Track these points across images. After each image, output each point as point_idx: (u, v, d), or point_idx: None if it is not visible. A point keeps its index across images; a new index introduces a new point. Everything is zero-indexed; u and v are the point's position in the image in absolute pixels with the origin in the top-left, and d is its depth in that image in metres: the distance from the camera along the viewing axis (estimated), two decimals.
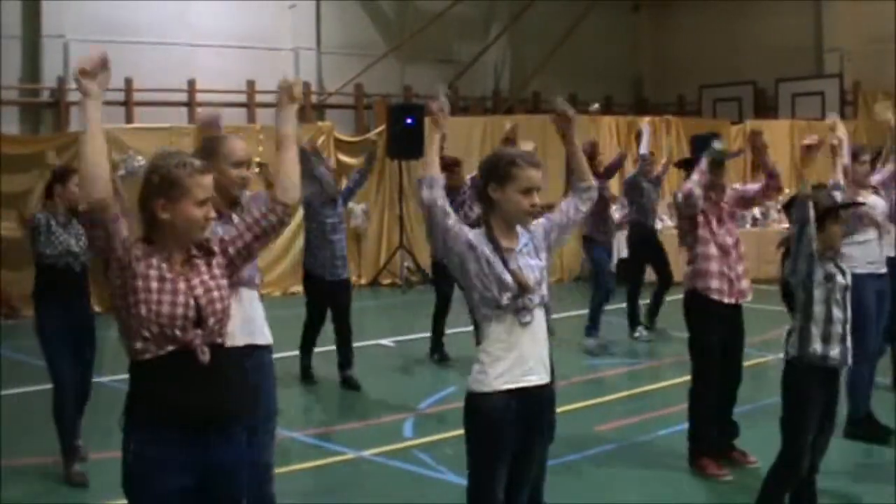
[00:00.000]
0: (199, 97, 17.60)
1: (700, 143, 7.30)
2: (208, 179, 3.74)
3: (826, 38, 21.64)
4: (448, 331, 10.67)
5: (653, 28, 24.61)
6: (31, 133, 16.26)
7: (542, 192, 4.37)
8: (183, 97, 17.59)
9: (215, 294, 3.74)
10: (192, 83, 17.59)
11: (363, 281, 16.42)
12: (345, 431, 8.26)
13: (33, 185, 14.07)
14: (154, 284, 3.61)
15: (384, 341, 11.50)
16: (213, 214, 3.76)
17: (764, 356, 10.39)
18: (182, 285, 3.66)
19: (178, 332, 3.62)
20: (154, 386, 3.63)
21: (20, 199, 13.88)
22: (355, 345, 9.82)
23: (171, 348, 3.62)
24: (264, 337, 5.18)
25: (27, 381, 9.38)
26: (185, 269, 3.72)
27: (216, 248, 3.84)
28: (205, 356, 3.66)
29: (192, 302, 3.66)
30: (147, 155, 12.50)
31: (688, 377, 7.12)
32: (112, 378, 9.83)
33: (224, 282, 3.82)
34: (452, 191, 8.90)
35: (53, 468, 7.07)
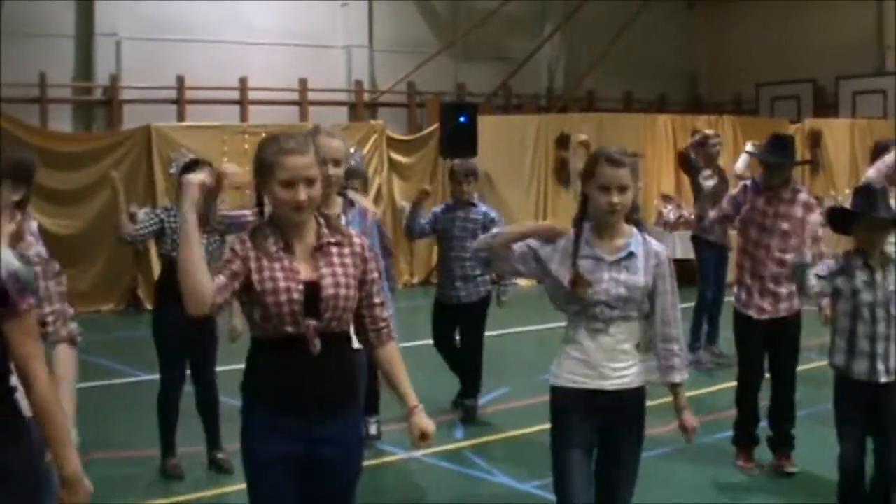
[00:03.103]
0: (251, 95, 17.66)
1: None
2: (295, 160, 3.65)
3: (887, 34, 21.19)
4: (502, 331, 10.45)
5: (708, 24, 24.25)
6: (84, 131, 16.41)
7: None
8: (235, 95, 17.66)
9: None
10: (243, 81, 17.64)
11: (416, 280, 16.33)
12: (395, 432, 8.13)
13: (88, 182, 14.14)
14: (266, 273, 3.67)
15: None
16: (304, 197, 3.62)
17: (823, 359, 10.18)
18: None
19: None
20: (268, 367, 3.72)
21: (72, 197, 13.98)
22: (407, 345, 9.61)
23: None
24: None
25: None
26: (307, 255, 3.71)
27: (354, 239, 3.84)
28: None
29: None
30: (199, 153, 12.50)
31: None
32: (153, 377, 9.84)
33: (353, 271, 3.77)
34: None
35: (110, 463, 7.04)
